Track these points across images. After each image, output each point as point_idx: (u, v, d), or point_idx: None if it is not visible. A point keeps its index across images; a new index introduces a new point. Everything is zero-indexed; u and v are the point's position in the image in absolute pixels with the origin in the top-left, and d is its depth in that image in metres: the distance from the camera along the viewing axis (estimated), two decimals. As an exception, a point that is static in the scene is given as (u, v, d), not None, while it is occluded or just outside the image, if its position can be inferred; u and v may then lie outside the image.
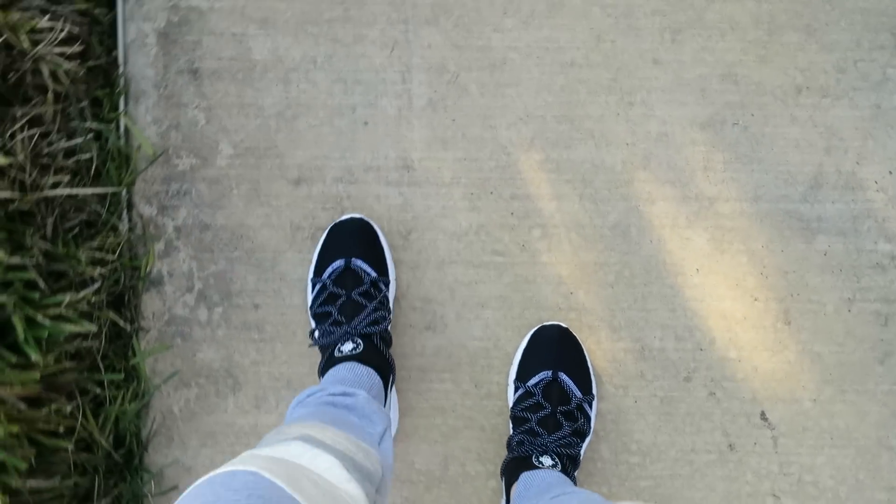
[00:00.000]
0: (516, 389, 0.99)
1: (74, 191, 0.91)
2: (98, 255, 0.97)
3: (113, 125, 1.00)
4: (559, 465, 0.90)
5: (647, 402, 1.03)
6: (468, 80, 1.05)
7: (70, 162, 0.96)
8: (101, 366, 1.00)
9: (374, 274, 0.98)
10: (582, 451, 0.95)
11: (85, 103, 0.96)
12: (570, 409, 0.95)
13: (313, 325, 0.98)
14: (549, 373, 0.96)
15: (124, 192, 1.01)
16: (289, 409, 0.83)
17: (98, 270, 0.96)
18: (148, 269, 1.04)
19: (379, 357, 0.93)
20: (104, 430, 1.00)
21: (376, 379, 0.90)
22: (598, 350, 1.04)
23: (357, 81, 1.05)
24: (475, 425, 1.04)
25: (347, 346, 0.92)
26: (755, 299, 1.04)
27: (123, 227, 1.01)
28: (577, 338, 1.02)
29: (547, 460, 0.90)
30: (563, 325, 1.01)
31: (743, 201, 1.04)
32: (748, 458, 1.03)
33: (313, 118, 1.05)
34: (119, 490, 1.01)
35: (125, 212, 1.03)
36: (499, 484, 1.03)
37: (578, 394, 0.97)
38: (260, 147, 1.05)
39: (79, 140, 0.95)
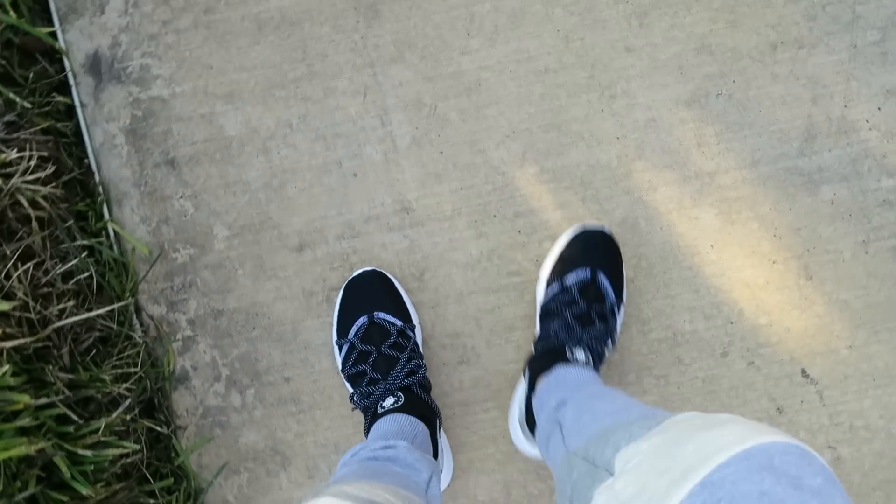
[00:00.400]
0: (549, 285, 0.98)
1: (82, 317, 0.89)
2: (120, 371, 0.95)
3: (103, 236, 0.97)
4: (591, 362, 0.90)
5: (690, 386, 1.04)
6: (447, 109, 1.03)
7: (70, 284, 0.93)
8: (148, 476, 0.99)
9: (399, 323, 0.97)
10: (609, 351, 0.95)
11: (70, 221, 0.93)
12: (603, 309, 0.94)
13: (349, 387, 0.97)
14: (588, 271, 0.95)
15: (131, 301, 0.98)
16: (335, 473, 0.83)
17: (124, 386, 0.94)
18: (171, 368, 1.02)
19: (421, 405, 0.93)
20: (166, 537, 0.99)
21: (420, 427, 0.89)
22: (631, 345, 1.04)
23: (337, 135, 1.02)
24: (528, 445, 1.04)
25: (388, 402, 0.91)
26: (774, 262, 1.04)
27: (137, 334, 0.99)
28: (617, 242, 1.00)
29: (581, 354, 0.90)
30: (606, 228, 1.00)
31: (742, 169, 1.04)
32: (798, 417, 1.04)
33: (301, 182, 1.02)
34: (195, 591, 1.01)
35: (135, 318, 1.01)
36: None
37: (613, 297, 0.96)
38: (255, 222, 1.02)
39: (73, 261, 0.92)
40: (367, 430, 0.92)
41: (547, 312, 0.96)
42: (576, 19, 1.03)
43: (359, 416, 1.04)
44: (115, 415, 0.93)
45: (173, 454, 1.02)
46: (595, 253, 0.98)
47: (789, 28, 1.04)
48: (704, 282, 1.04)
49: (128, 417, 0.95)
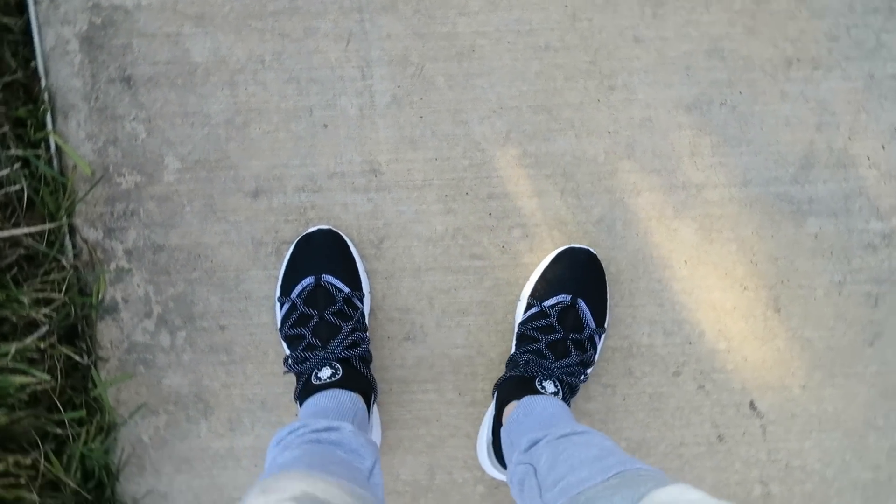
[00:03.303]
0: (529, 307, 0.95)
1: (8, 232, 0.82)
2: (42, 294, 0.88)
3: (41, 148, 0.89)
4: (560, 393, 0.88)
5: (636, 400, 1.01)
6: (434, 71, 0.95)
7: (-3, 194, 0.86)
8: (59, 405, 0.93)
9: (346, 290, 0.92)
10: (581, 384, 0.93)
11: (6, 127, 0.85)
12: (581, 338, 0.91)
13: (286, 348, 0.92)
14: (569, 297, 0.92)
15: (64, 222, 0.91)
16: (270, 449, 0.78)
17: (44, 311, 0.88)
18: (100, 297, 0.96)
19: (360, 380, 0.88)
20: (70, 469, 0.94)
21: (360, 404, 0.85)
22: (584, 349, 1.00)
23: (312, 80, 0.95)
24: (461, 433, 1.01)
25: (325, 373, 0.86)
26: (745, 288, 1.00)
27: (68, 258, 0.92)
28: (603, 267, 0.97)
29: (550, 386, 0.88)
30: (593, 250, 0.96)
31: (732, 186, 0.99)
32: (737, 447, 1.02)
33: (267, 124, 0.95)
34: (94, 528, 0.97)
35: (67, 238, 0.94)
36: (487, 489, 1.01)
37: (592, 324, 0.93)
38: (210, 159, 0.95)
39: (4, 171, 0.85)
40: (298, 396, 0.87)
41: (522, 336, 0.93)
42: (587, -2, 0.95)
43: (291, 378, 0.99)
44: (29, 339, 0.87)
45: (90, 385, 0.97)
46: (577, 277, 0.94)
47: (808, 45, 0.97)
48: (671, 297, 1.00)
49: (44, 344, 0.90)
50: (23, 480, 0.89)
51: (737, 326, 1.00)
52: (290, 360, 0.89)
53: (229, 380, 0.99)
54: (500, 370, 0.98)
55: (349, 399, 0.84)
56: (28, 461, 0.89)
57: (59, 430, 0.94)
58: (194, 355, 0.98)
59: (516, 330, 0.96)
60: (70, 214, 0.93)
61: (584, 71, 0.96)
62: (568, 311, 0.92)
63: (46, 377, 0.86)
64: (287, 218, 0.96)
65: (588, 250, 0.96)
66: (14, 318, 0.87)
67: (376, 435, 0.97)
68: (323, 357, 0.87)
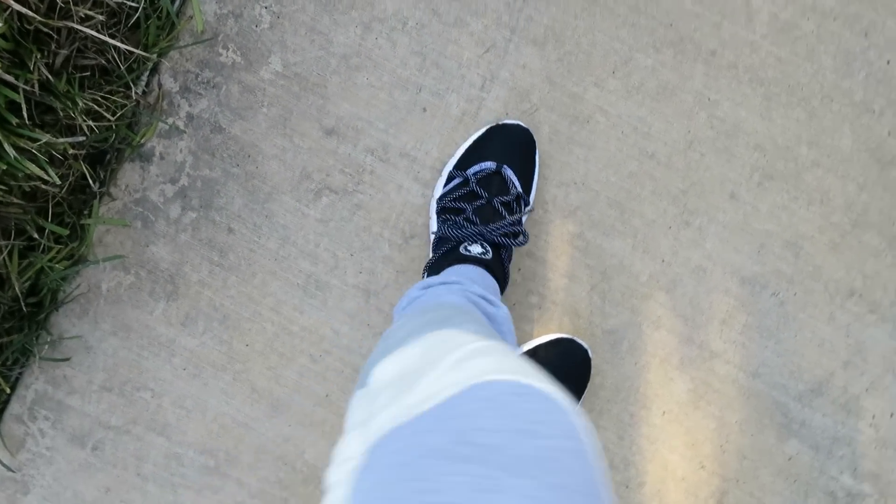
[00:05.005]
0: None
1: (102, 37, 0.83)
2: (96, 107, 0.88)
3: (174, -15, 0.90)
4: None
5: (551, 509, 0.99)
6: (544, 119, 0.96)
7: (112, 1, 0.86)
8: (50, 213, 0.93)
9: (520, 189, 0.90)
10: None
11: (156, -51, 0.86)
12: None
13: (433, 216, 0.92)
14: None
15: (154, 59, 0.92)
16: (413, 290, 0.76)
17: (89, 122, 0.88)
18: (142, 140, 0.96)
19: (501, 271, 0.86)
20: (24, 274, 0.93)
21: (499, 294, 0.83)
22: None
23: (436, 64, 0.96)
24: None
25: (476, 248, 0.85)
26: (702, 467, 0.99)
27: (137, 91, 0.93)
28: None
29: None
30: (524, 125, 0.94)
31: (741, 371, 0.98)
32: None
33: (376, 79, 0.96)
34: (11, 338, 0.95)
35: (147, 74, 0.94)
36: None
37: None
38: (310, 79, 0.96)
39: (132, -15, 0.86)
40: (433, 264, 0.86)
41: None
42: (710, 134, 0.96)
43: (260, 311, 0.98)
44: (62, 140, 0.87)
45: (85, 213, 0.96)
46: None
47: (876, 289, 0.98)
48: (633, 436, 0.99)
49: (72, 151, 0.89)
50: (-22, 258, 0.88)
51: (676, 496, 0.99)
52: (445, 225, 0.87)
53: (209, 279, 0.98)
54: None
55: (493, 285, 0.82)
56: (-6, 243, 0.87)
57: (35, 236, 0.93)
58: (191, 240, 0.98)
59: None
60: (161, 55, 0.94)
61: (672, 195, 0.97)
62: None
63: (57, 181, 0.85)
64: (343, 169, 0.97)
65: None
66: (61, 114, 0.87)
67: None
68: (478, 232, 0.85)
